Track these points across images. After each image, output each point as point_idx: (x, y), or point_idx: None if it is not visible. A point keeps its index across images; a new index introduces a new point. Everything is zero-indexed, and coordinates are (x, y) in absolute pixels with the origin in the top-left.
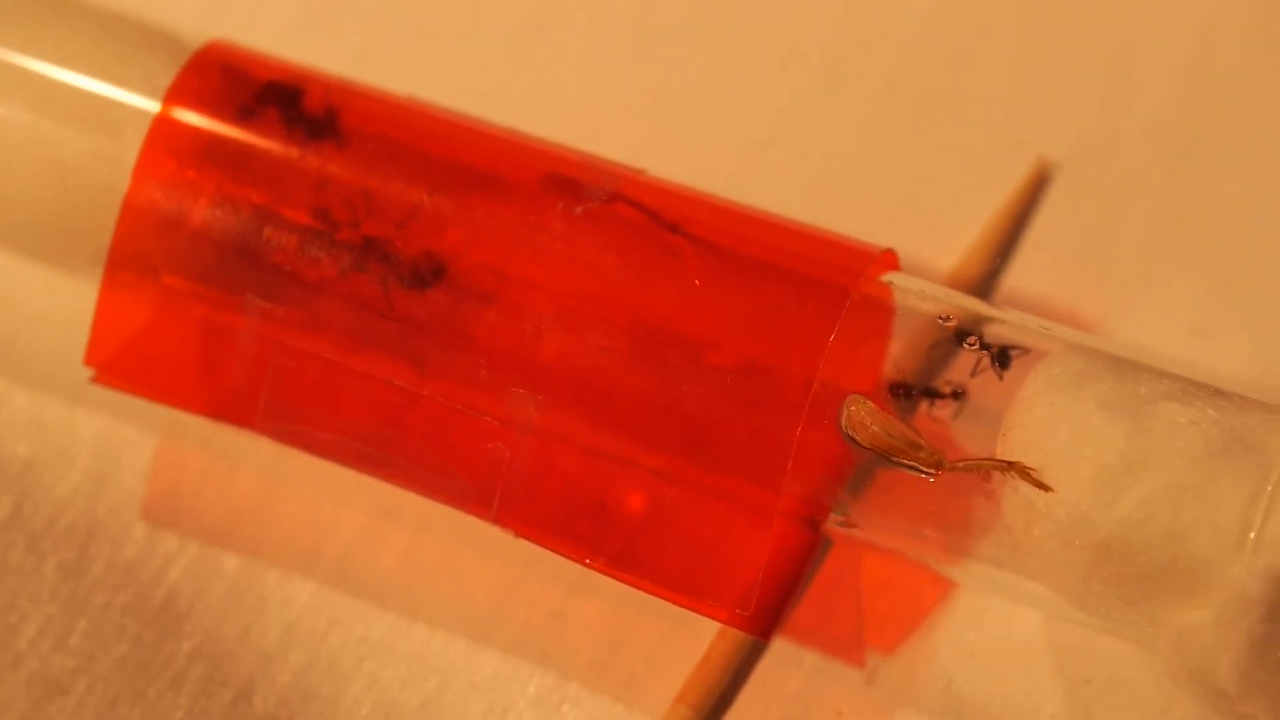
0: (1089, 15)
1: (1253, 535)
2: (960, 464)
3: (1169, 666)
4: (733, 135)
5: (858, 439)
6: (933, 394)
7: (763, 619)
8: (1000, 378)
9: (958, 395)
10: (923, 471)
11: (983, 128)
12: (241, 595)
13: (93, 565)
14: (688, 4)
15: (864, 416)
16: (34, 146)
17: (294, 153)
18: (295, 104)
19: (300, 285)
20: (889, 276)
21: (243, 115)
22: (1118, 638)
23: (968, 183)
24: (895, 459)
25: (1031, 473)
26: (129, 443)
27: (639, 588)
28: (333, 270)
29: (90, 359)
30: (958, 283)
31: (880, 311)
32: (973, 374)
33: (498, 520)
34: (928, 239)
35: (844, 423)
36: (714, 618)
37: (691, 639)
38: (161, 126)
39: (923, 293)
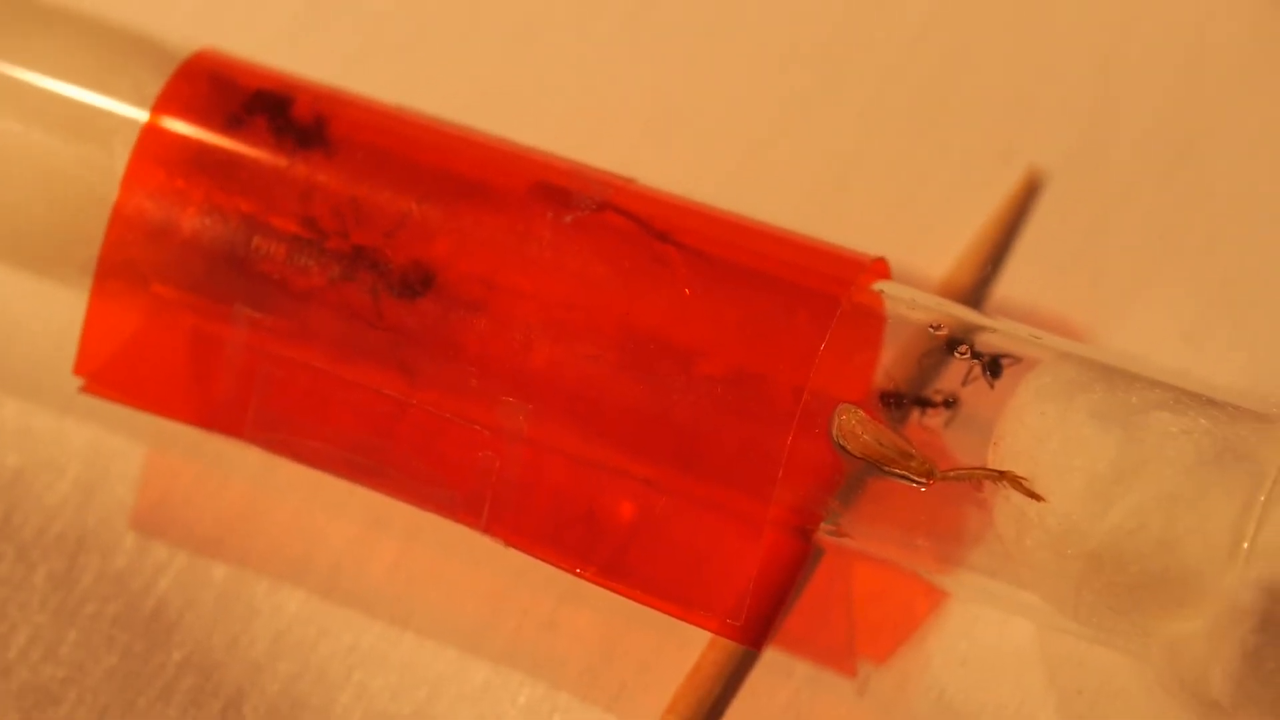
0: (1079, 24)
1: (1245, 545)
2: (952, 473)
3: (1161, 677)
4: (723, 144)
5: (849, 448)
6: (924, 403)
7: (754, 629)
8: (991, 387)
9: (949, 404)
10: (914, 481)
11: (973, 137)
12: (231, 605)
13: (82, 575)
14: (677, 14)
15: (855, 425)
16: (23, 155)
17: (283, 161)
18: (284, 113)
19: (289, 294)
20: (880, 285)
21: (231, 124)
22: (1110, 648)
23: (959, 191)
24: (886, 468)
25: (1023, 482)
26: (118, 452)
27: (629, 597)
28: (322, 279)
29: (79, 368)
30: (949, 291)
31: (871, 320)
32: (964, 383)
33: (487, 529)
34: (919, 247)
35: (835, 432)
36: (705, 627)
37: (682, 649)
38: (150, 135)
39: (914, 301)
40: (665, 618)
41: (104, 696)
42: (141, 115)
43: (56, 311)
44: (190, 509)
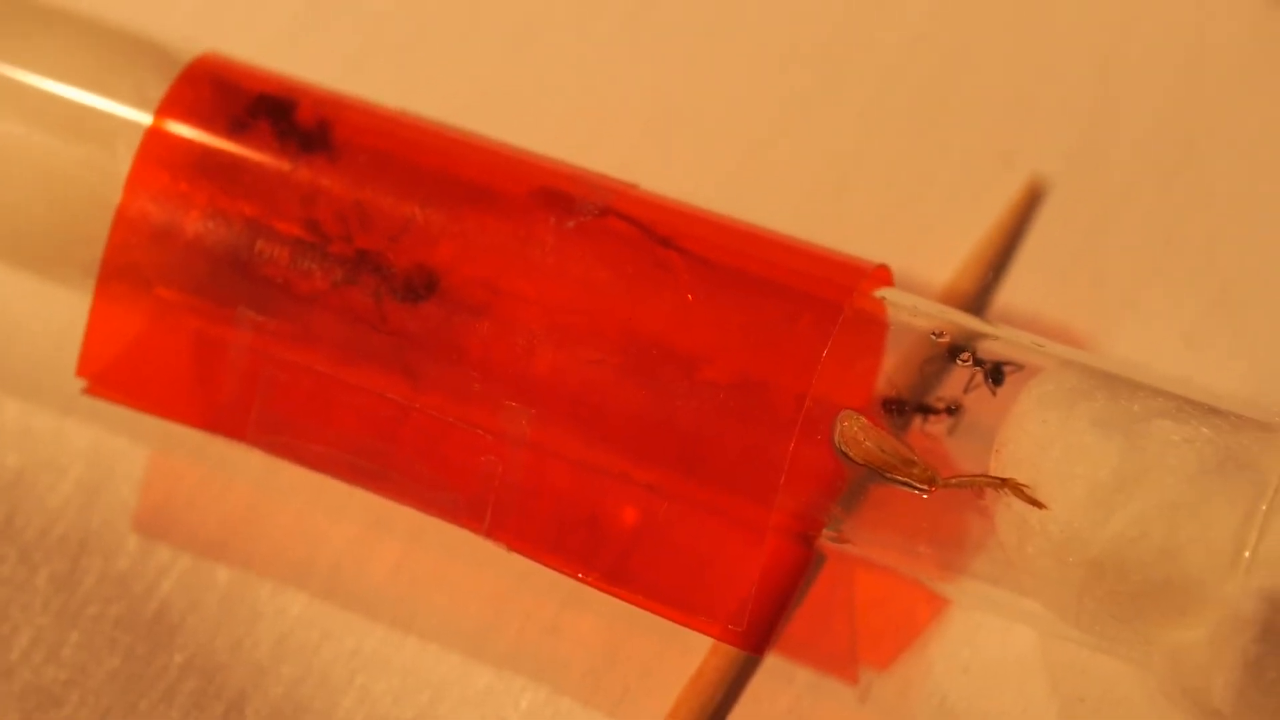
0: (1079, 27)
1: (1247, 554)
2: (954, 480)
3: (1163, 685)
4: (725, 150)
5: (851, 455)
6: (926, 410)
7: (755, 635)
8: (994, 394)
9: (951, 411)
10: (916, 488)
11: (976, 144)
12: (234, 607)
13: (85, 577)
14: (679, 19)
15: (857, 432)
16: (27, 158)
17: (286, 165)
18: (287, 117)
19: (293, 298)
20: (882, 292)
21: (235, 128)
22: (1112, 656)
23: (961, 199)
24: (888, 475)
25: (1025, 489)
26: (121, 454)
27: (632, 603)
28: (325, 283)
29: (82, 370)
30: (951, 298)
31: (874, 327)
32: (966, 390)
33: (490, 534)
34: (921, 255)
35: (837, 438)
36: (707, 633)
37: (685, 654)
38: (154, 139)
39: (916, 308)
40: (668, 623)
41: (106, 698)
42: (145, 118)
43: (59, 313)
44: (193, 511)
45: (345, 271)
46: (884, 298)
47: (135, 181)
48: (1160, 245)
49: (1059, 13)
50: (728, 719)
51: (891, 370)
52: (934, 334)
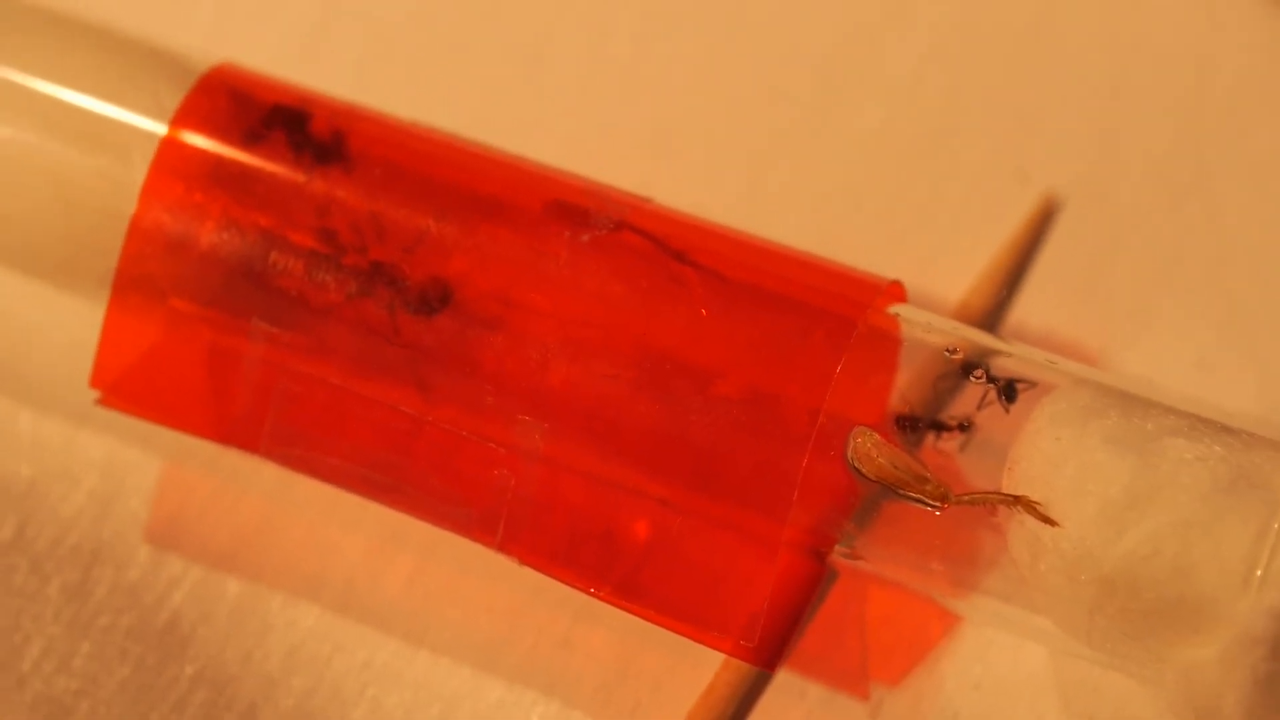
0: (1091, 47)
1: (1259, 573)
2: (966, 497)
3: (1175, 704)
4: (740, 164)
5: (863, 471)
6: (939, 427)
7: (767, 650)
8: (1007, 411)
9: (964, 428)
10: (929, 504)
11: (989, 161)
12: (245, 619)
13: (96, 588)
14: (694, 33)
15: (870, 448)
16: (41, 168)
17: (301, 177)
18: (302, 128)
19: (307, 310)
20: (896, 308)
21: (250, 138)
22: (1124, 674)
23: (974, 216)
24: (901, 491)
25: (1037, 507)
26: (134, 465)
27: (643, 617)
28: (339, 295)
29: (96, 381)
30: (965, 315)
31: (887, 343)
32: (979, 407)
33: (502, 548)
34: (934, 271)
35: (850, 454)
36: (718, 648)
37: (696, 669)
38: (169, 149)
39: (929, 325)
40: (679, 638)
41: (117, 709)
42: (160, 129)
43: (73, 323)
44: (205, 523)
45: (360, 284)
46: (898, 314)
47: (150, 192)
48: (1173, 263)
49: (1072, 31)
50: None
51: (905, 387)
52: (947, 350)
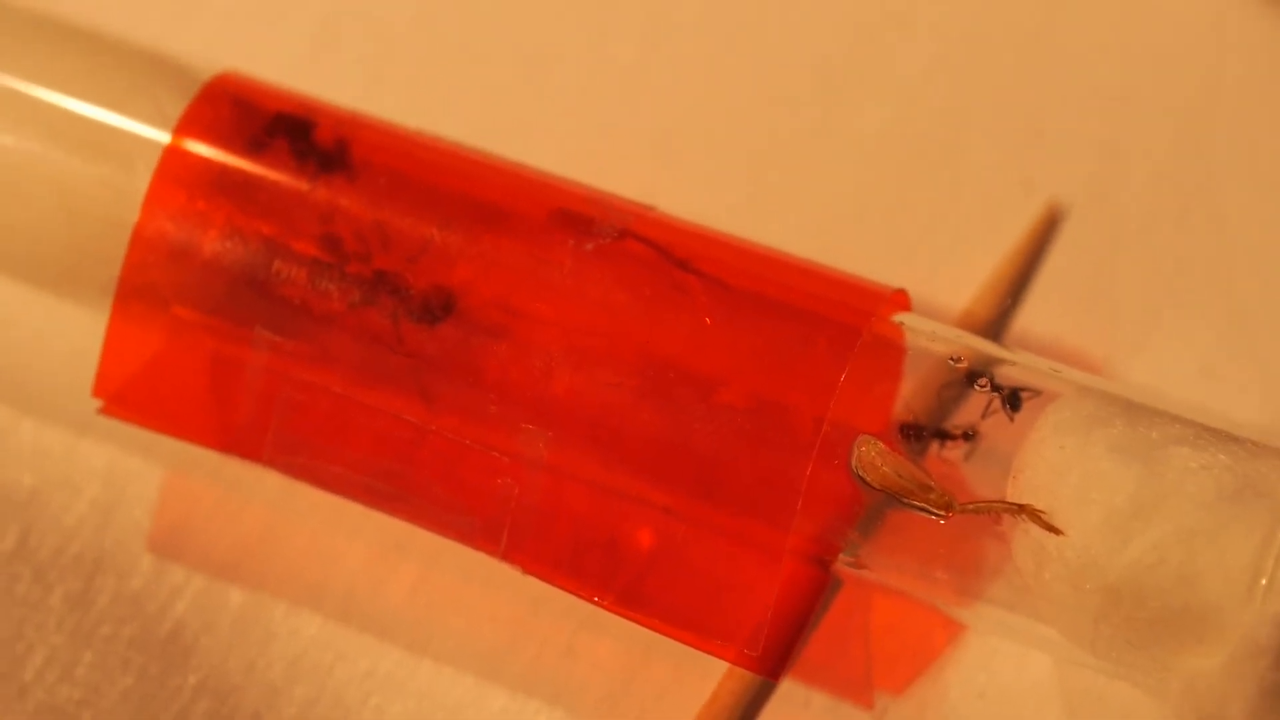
0: (1098, 57)
1: (1264, 582)
2: (970, 506)
3: (1179, 713)
4: (744, 172)
5: (868, 479)
6: (943, 435)
7: (771, 659)
8: (1011, 420)
9: (968, 437)
10: (933, 513)
11: (994, 170)
12: (248, 628)
13: (99, 597)
14: (697, 41)
15: (874, 457)
16: (44, 176)
17: (304, 185)
18: (306, 136)
19: (310, 318)
20: (900, 317)
21: (253, 147)
22: (1128, 683)
23: (979, 224)
24: (905, 500)
25: (1042, 516)
26: (136, 474)
27: (647, 626)
28: (342, 304)
29: (98, 390)
30: (969, 324)
31: (891, 352)
32: (983, 415)
33: (506, 556)
34: (939, 280)
35: (854, 463)
36: (722, 657)
37: (701, 678)
38: (172, 157)
39: (934, 333)
40: (683, 647)
41: (119, 718)
42: (164, 137)
43: (76, 332)
44: (208, 532)
45: (363, 292)
46: (902, 322)
47: (153, 200)
48: (1177, 272)
49: (1078, 39)
50: None
51: (909, 395)
52: (952, 359)
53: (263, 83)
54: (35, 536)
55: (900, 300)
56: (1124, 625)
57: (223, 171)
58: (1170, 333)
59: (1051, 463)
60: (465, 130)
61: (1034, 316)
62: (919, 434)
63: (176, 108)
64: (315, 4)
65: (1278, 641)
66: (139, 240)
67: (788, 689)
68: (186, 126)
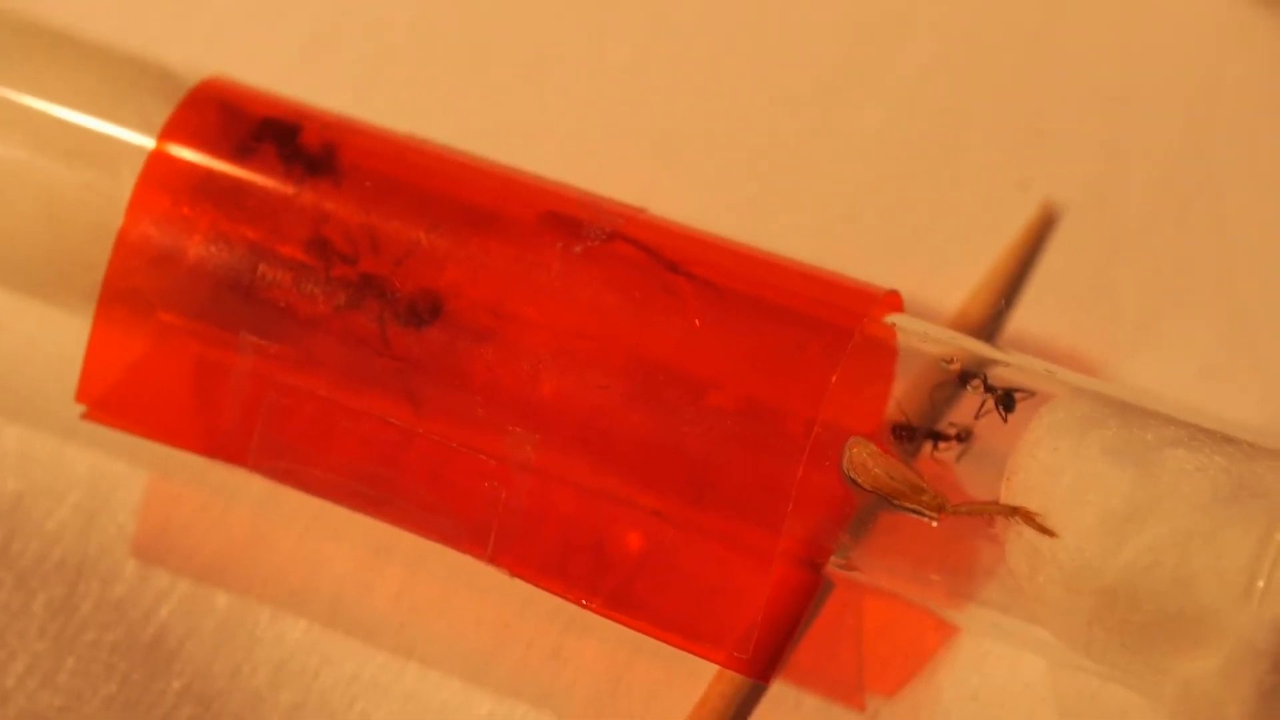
0: (1095, 56)
1: (1260, 584)
2: (963, 508)
3: (1175, 716)
4: (734, 174)
5: (859, 481)
6: (936, 436)
7: (762, 661)
8: (1004, 421)
9: (961, 438)
10: (925, 515)
11: (988, 170)
12: (232, 633)
13: (82, 603)
14: (689, 43)
15: (866, 458)
16: (28, 182)
17: (291, 189)
18: (292, 141)
19: (296, 322)
20: (893, 318)
21: (239, 152)
22: (1123, 686)
23: (973, 225)
24: (897, 502)
25: (1035, 518)
26: (120, 479)
27: (636, 629)
28: (328, 307)
29: (82, 395)
30: (962, 325)
31: (884, 353)
32: (977, 417)
33: (493, 560)
34: (932, 281)
35: (846, 465)
36: (712, 660)
37: (690, 680)
38: (157, 162)
39: (926, 335)
40: (673, 649)
41: None
42: (148, 142)
43: (59, 337)
44: (192, 537)
45: (349, 296)
46: (894, 323)
47: (137, 205)
48: (1174, 273)
49: (1075, 40)
50: None
51: (901, 396)
52: (945, 360)
53: (249, 88)
54: (19, 542)
55: (893, 301)
56: (1119, 628)
57: (208, 176)
58: (1170, 333)
59: (1045, 464)
60: (459, 134)
61: (1029, 317)
62: (911, 435)
63: (162, 113)
64: (306, 10)
65: (1274, 644)
66: (123, 245)
67: (779, 691)
68: (171, 132)
